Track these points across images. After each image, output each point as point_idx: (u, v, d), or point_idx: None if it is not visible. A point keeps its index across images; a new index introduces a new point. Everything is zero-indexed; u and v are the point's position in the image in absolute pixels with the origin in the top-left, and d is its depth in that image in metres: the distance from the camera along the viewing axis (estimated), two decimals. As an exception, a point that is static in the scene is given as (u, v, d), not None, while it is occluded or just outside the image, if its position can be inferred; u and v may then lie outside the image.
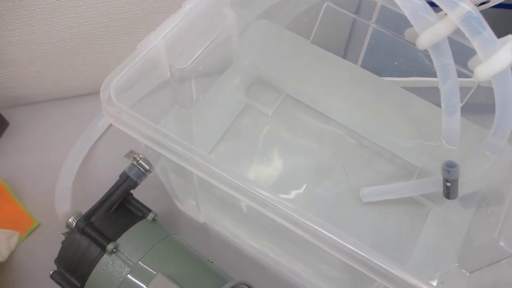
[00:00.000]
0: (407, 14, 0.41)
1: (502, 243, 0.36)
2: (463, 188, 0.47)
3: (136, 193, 0.48)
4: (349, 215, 0.54)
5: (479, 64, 0.40)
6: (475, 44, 0.40)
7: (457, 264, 0.44)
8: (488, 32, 0.39)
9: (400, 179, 0.57)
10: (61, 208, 0.51)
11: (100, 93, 0.36)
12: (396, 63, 0.50)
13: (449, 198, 0.48)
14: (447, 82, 0.43)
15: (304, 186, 0.56)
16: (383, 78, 0.55)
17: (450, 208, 0.51)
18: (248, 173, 0.56)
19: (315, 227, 0.32)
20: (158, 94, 0.44)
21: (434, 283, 0.46)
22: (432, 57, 0.42)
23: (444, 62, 0.42)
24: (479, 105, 0.52)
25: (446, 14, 0.40)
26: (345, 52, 0.57)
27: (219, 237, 0.55)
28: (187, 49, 0.42)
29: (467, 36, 0.40)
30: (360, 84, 0.57)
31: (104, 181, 0.48)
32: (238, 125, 0.59)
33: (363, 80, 0.56)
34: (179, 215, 0.56)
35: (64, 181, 0.54)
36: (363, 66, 0.56)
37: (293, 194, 0.55)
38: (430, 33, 0.41)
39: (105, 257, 0.42)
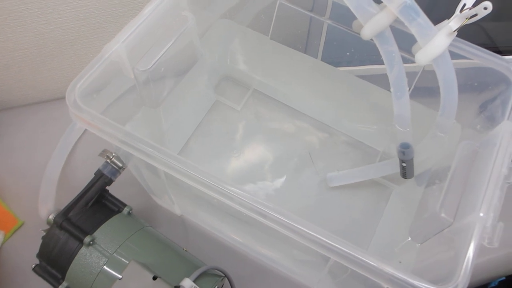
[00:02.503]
0: (351, 7, 0.44)
1: (443, 214, 0.39)
2: (418, 167, 0.50)
3: (116, 189, 0.51)
4: (318, 201, 0.57)
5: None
6: (413, 31, 0.43)
7: (409, 238, 0.47)
8: (424, 19, 0.42)
9: (364, 164, 0.60)
10: (43, 207, 0.54)
11: (66, 96, 0.38)
12: (348, 53, 0.53)
13: (405, 178, 0.51)
14: (393, 68, 0.45)
15: (274, 176, 0.59)
16: (340, 68, 0.58)
17: (408, 187, 0.54)
18: (220, 167, 0.59)
19: (279, 216, 0.34)
20: (126, 95, 0.47)
21: (394, 261, 0.49)
22: (377, 45, 0.45)
23: (389, 49, 0.45)
24: (431, 88, 0.55)
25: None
26: (306, 47, 0.60)
27: (195, 228, 0.58)
28: (148, 51, 0.45)
29: (405, 24, 0.43)
30: (321, 76, 0.60)
31: (85, 179, 0.50)
32: (208, 121, 0.62)
33: (324, 72, 0.59)
34: (157, 209, 0.59)
35: (47, 181, 0.57)
36: (323, 59, 0.59)
37: (264, 185, 0.58)
38: (372, 23, 0.43)
39: (83, 250, 0.45)
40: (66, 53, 0.63)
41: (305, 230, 0.33)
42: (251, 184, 0.58)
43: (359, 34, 0.46)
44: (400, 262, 0.47)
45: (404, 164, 0.50)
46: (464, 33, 0.47)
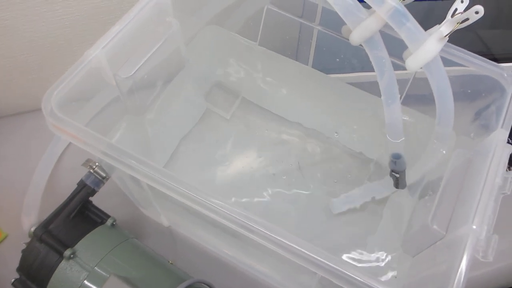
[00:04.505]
0: (339, 13, 0.42)
1: (435, 226, 0.37)
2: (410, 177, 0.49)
3: (101, 199, 0.50)
4: (309, 212, 0.56)
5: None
6: (403, 36, 0.41)
7: (401, 250, 0.45)
8: (414, 24, 0.40)
9: (357, 173, 0.58)
10: (26, 219, 0.52)
11: (42, 105, 0.37)
12: (337, 60, 0.52)
13: (397, 188, 0.49)
14: (384, 74, 0.44)
15: (265, 186, 0.57)
16: (331, 75, 0.57)
17: (403, 198, 0.53)
18: (208, 177, 0.57)
19: (265, 231, 0.33)
20: (109, 103, 0.46)
21: (389, 275, 0.48)
22: (367, 50, 0.44)
23: (378, 54, 0.44)
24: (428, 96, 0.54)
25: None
26: (297, 53, 0.58)
27: (184, 240, 0.57)
28: (130, 58, 0.44)
29: (395, 29, 0.41)
30: (312, 83, 0.58)
31: (72, 189, 0.49)
32: (199, 129, 0.61)
33: (315, 80, 0.58)
34: (144, 219, 0.58)
35: (32, 193, 0.56)
36: (314, 66, 0.58)
37: (253, 195, 0.57)
38: (361, 28, 0.42)
39: (63, 263, 0.43)
40: (54, 61, 0.61)
41: (291, 244, 0.32)
42: (240, 194, 0.56)
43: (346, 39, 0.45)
44: (395, 277, 0.45)
45: (397, 175, 0.48)
46: (460, 41, 0.45)
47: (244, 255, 0.53)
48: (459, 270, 0.32)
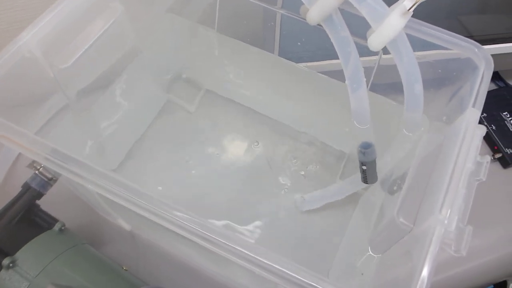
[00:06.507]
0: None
1: (401, 219, 0.33)
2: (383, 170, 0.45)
3: (56, 203, 0.46)
4: (279, 215, 0.52)
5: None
6: (363, 13, 0.38)
7: (369, 248, 0.41)
8: (375, -1, 0.37)
9: (330, 169, 0.54)
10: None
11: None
12: (305, 46, 0.48)
13: (366, 183, 0.45)
14: (346, 56, 0.41)
15: (230, 186, 0.53)
16: (301, 64, 0.53)
17: (375, 193, 0.49)
18: (168, 177, 0.53)
19: (226, 242, 0.29)
20: (48, 97, 0.42)
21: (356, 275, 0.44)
22: (327, 31, 0.40)
23: (340, 34, 0.40)
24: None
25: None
26: (263, 42, 0.55)
27: (147, 245, 0.53)
28: (68, 46, 0.40)
29: (355, 5, 0.38)
30: (278, 73, 0.55)
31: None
32: (158, 124, 0.56)
33: (281, 69, 0.54)
34: (105, 223, 0.54)
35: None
36: (281, 54, 0.54)
37: (219, 195, 0.53)
38: (318, 6, 0.39)
39: (2, 273, 0.40)
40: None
41: (251, 254, 0.29)
42: (204, 195, 0.52)
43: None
44: (362, 274, 0.41)
45: (364, 167, 0.44)
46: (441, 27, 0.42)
47: (209, 260, 0.49)
48: (424, 266, 0.28)
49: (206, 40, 0.55)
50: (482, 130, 0.35)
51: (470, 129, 0.34)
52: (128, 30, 0.45)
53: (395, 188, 0.43)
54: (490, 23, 0.69)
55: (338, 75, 0.53)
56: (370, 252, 0.42)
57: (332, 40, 0.40)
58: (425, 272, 0.28)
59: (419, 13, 0.40)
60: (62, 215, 0.46)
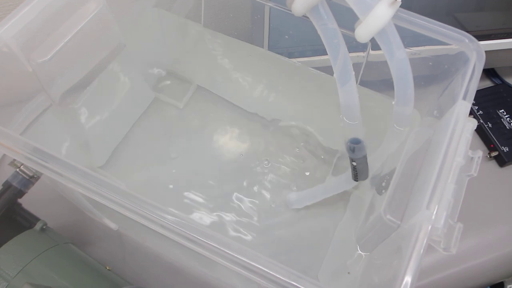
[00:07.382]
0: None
1: (388, 216, 0.32)
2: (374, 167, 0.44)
3: (39, 201, 0.45)
4: (269, 213, 0.50)
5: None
6: (350, 3, 0.36)
7: (358, 247, 0.40)
8: (360, -13, 0.36)
9: (321, 166, 0.53)
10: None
11: None
12: (286, 37, 0.47)
13: (356, 180, 0.43)
14: (334, 49, 0.39)
15: (218, 184, 0.52)
16: (293, 59, 0.52)
17: (366, 191, 0.47)
18: (155, 174, 0.52)
19: (211, 243, 0.28)
20: (28, 93, 0.41)
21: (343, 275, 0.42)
22: (314, 23, 0.39)
23: (327, 26, 0.39)
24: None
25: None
26: (252, 36, 0.54)
27: (133, 244, 0.52)
28: (47, 40, 0.39)
29: (341, -4, 0.37)
30: (269, 68, 0.53)
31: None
32: (146, 120, 0.55)
33: (271, 64, 0.53)
34: (91, 222, 0.53)
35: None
36: (271, 49, 0.53)
37: (207, 192, 0.52)
38: (303, -4, 0.37)
39: (-20, 273, 0.39)
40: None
41: (238, 256, 0.28)
42: (193, 193, 0.51)
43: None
44: (348, 273, 0.40)
45: (354, 163, 0.42)
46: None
47: (197, 260, 0.48)
48: (410, 261, 0.27)
49: (194, 34, 0.54)
50: (473, 123, 0.33)
51: (460, 122, 0.33)
52: (112, 24, 0.44)
53: (383, 184, 0.42)
54: (486, 19, 0.68)
55: (330, 70, 0.52)
56: (359, 251, 0.40)
57: (319, 32, 0.39)
58: (410, 270, 0.27)
59: (413, 10, 0.39)
60: (45, 214, 0.45)
